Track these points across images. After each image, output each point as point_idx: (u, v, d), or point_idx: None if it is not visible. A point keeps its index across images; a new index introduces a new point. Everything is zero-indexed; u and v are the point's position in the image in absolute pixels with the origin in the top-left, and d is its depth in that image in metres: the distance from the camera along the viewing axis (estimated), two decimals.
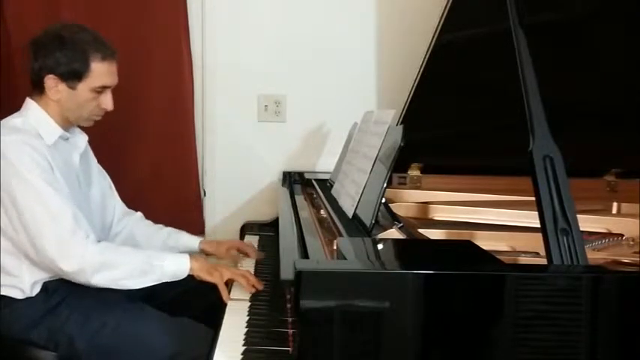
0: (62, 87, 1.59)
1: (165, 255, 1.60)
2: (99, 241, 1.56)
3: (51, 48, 1.57)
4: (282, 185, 2.30)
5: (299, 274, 0.96)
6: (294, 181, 2.29)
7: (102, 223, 1.80)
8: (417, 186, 2.09)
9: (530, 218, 1.45)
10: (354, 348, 0.97)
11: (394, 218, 1.47)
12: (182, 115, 2.36)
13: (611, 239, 1.62)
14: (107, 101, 1.64)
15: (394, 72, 2.37)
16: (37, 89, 1.62)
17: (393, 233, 1.34)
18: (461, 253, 1.15)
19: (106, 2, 2.25)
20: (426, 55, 1.86)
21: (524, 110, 1.22)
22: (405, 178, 2.12)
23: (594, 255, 1.44)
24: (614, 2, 1.70)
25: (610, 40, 1.76)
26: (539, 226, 1.14)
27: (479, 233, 1.54)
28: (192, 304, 1.67)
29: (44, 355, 1.55)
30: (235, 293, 1.55)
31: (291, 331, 1.31)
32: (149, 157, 2.37)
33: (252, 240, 2.12)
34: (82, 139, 1.73)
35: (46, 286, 1.58)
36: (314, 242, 1.35)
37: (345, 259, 1.12)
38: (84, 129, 1.74)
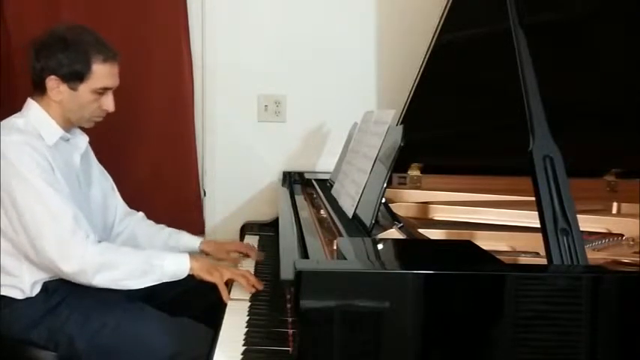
0: (64, 88, 1.60)
1: (166, 255, 1.60)
2: (99, 242, 1.56)
3: (53, 49, 1.57)
4: (282, 185, 2.30)
5: (299, 274, 0.96)
6: (294, 181, 2.29)
7: (103, 223, 1.80)
8: (417, 186, 2.09)
9: (530, 218, 1.45)
10: (354, 348, 0.97)
11: (394, 218, 1.47)
12: (182, 115, 2.36)
13: (611, 239, 1.62)
14: (108, 102, 1.65)
15: (394, 72, 2.37)
16: (38, 90, 1.62)
17: (393, 233, 1.34)
18: (461, 253, 1.15)
19: (106, 2, 2.25)
20: (426, 55, 1.86)
21: (524, 110, 1.22)
22: (405, 178, 2.12)
23: (594, 255, 1.43)
24: (614, 2, 1.69)
25: (610, 40, 1.76)
26: (539, 226, 1.14)
27: (479, 233, 1.54)
28: (192, 304, 1.68)
29: (44, 355, 1.55)
30: (235, 293, 1.55)
31: (291, 331, 1.31)
32: (149, 157, 2.37)
33: (252, 240, 2.12)
34: (82, 140, 1.73)
35: (46, 286, 1.58)
36: (314, 242, 1.35)
37: (345, 259, 1.12)
38: (84, 130, 1.74)
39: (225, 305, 1.50)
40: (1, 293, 1.57)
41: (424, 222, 1.69)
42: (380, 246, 1.21)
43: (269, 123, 2.46)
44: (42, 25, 2.06)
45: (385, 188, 1.34)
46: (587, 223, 1.62)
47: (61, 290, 1.57)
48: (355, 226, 1.39)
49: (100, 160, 1.86)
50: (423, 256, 1.14)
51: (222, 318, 1.42)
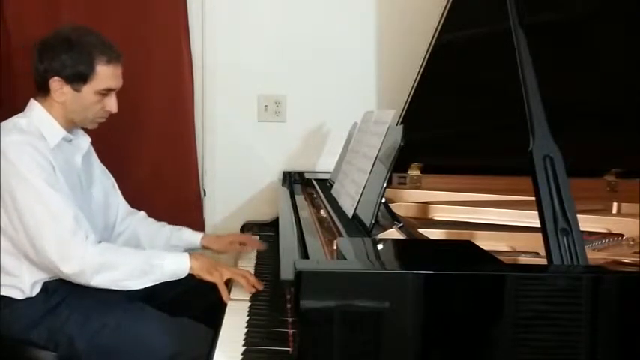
0: (67, 89, 1.60)
1: (165, 254, 1.60)
2: (99, 242, 1.56)
3: (57, 50, 1.58)
4: (282, 185, 2.30)
5: (299, 274, 0.96)
6: (294, 181, 2.29)
7: (104, 223, 1.80)
8: (417, 186, 2.09)
9: (530, 218, 1.45)
10: (354, 348, 0.97)
11: (394, 218, 1.47)
12: (182, 115, 2.36)
13: (611, 239, 1.62)
14: (112, 104, 1.65)
15: (394, 72, 2.37)
16: (41, 91, 1.62)
17: (393, 233, 1.34)
18: (461, 253, 1.15)
19: (106, 2, 2.25)
20: (426, 55, 1.86)
21: (524, 110, 1.22)
22: (405, 178, 2.12)
23: (594, 255, 1.43)
24: (614, 2, 1.69)
25: (610, 40, 1.76)
26: (539, 226, 1.14)
27: (479, 233, 1.54)
28: (192, 304, 1.68)
29: (44, 355, 1.55)
30: (235, 293, 1.55)
31: (291, 331, 1.31)
32: (149, 157, 2.37)
33: None
34: (85, 141, 1.74)
35: (46, 286, 1.58)
36: (314, 242, 1.35)
37: (345, 259, 1.12)
38: (86, 130, 1.74)
39: (225, 305, 1.50)
40: (1, 293, 1.57)
41: (424, 222, 1.69)
42: (380, 246, 1.21)
43: (269, 123, 2.46)
44: (42, 25, 2.07)
45: (385, 188, 1.34)
46: (587, 223, 1.62)
47: (61, 290, 1.58)
48: (355, 226, 1.39)
49: (100, 160, 1.86)
50: (423, 256, 1.14)
51: (222, 318, 1.42)
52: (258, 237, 2.04)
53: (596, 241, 1.60)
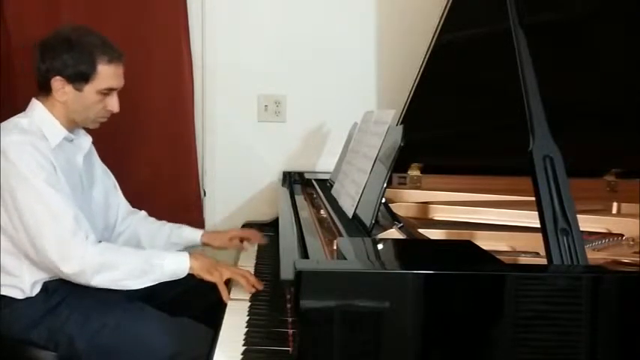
0: (69, 89, 1.60)
1: (165, 254, 1.60)
2: (100, 242, 1.56)
3: (59, 50, 1.58)
4: (282, 185, 2.31)
5: (299, 274, 0.96)
6: (294, 181, 2.29)
7: (105, 222, 1.80)
8: (417, 186, 2.09)
9: (530, 218, 1.45)
10: (354, 348, 0.97)
11: (394, 218, 1.47)
12: (182, 115, 2.36)
13: (611, 239, 1.62)
14: (113, 103, 1.65)
15: (394, 72, 2.37)
16: (43, 90, 1.62)
17: (393, 233, 1.34)
18: (461, 253, 1.15)
19: (106, 2, 2.25)
20: (426, 55, 1.86)
21: (524, 110, 1.22)
22: (405, 178, 2.12)
23: (594, 255, 1.43)
24: (614, 2, 1.69)
25: (610, 40, 1.76)
26: (539, 226, 1.14)
27: (479, 233, 1.54)
28: (192, 304, 1.68)
29: (44, 355, 1.55)
30: (235, 293, 1.55)
31: (291, 331, 1.31)
32: (149, 157, 2.37)
33: None
34: (86, 141, 1.74)
35: (46, 286, 1.58)
36: (314, 242, 1.35)
37: (345, 259, 1.12)
38: (87, 130, 1.74)
39: (225, 305, 1.50)
40: (1, 293, 1.57)
41: (424, 222, 1.69)
42: (380, 246, 1.21)
43: (269, 123, 2.46)
44: (42, 25, 2.07)
45: (385, 188, 1.34)
46: (587, 223, 1.62)
47: (61, 290, 1.58)
48: (355, 226, 1.39)
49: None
50: (423, 256, 1.14)
51: (222, 318, 1.42)
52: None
53: (596, 241, 1.60)
